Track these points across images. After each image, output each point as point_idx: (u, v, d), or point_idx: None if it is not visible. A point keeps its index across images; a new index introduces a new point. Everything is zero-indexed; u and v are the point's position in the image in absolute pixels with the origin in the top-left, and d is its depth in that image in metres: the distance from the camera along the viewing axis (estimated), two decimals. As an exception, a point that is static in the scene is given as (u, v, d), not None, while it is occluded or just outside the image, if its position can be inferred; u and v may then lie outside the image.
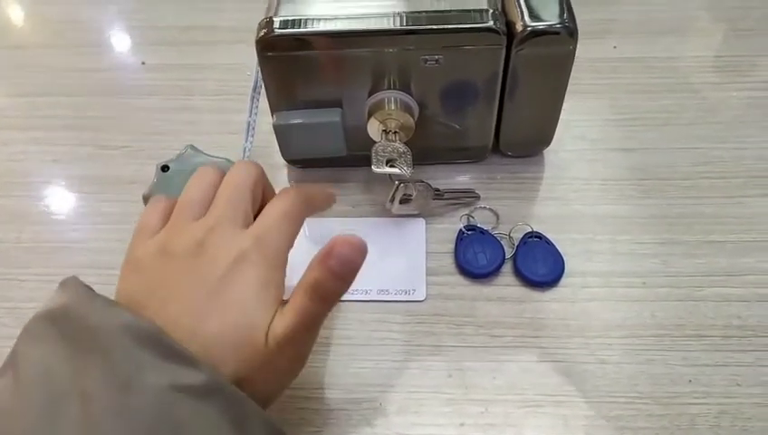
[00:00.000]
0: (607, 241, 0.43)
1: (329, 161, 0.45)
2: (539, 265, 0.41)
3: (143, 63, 0.56)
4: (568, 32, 0.38)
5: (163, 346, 0.27)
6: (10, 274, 0.43)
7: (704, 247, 0.42)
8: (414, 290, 0.41)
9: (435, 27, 0.38)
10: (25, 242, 0.45)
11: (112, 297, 0.31)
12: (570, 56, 0.40)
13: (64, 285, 0.31)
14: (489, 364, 0.38)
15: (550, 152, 0.47)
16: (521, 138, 0.46)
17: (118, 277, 0.32)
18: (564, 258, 0.41)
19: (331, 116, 0.42)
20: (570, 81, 0.41)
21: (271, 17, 0.39)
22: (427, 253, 0.43)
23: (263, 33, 0.38)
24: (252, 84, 0.45)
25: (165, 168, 0.44)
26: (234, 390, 0.27)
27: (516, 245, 0.42)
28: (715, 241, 0.42)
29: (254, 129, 0.46)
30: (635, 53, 0.54)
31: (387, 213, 0.44)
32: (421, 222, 0.44)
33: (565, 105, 0.43)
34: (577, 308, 0.40)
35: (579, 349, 0.38)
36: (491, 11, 0.38)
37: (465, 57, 0.39)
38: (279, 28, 0.38)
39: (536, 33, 0.38)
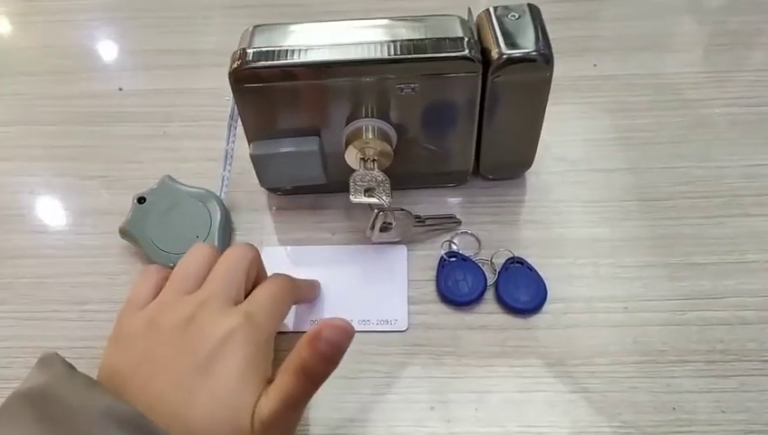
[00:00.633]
0: (589, 265, 0.43)
1: (308, 188, 0.45)
2: (521, 291, 0.41)
3: (120, 89, 0.55)
4: (544, 59, 0.38)
5: (143, 431, 0.27)
6: (-15, 311, 0.42)
7: (685, 270, 0.42)
8: (396, 320, 0.41)
9: (410, 57, 0.37)
10: (1, 277, 0.44)
11: (96, 369, 0.31)
12: (546, 82, 0.39)
13: (44, 362, 0.30)
14: (470, 395, 0.37)
15: (531, 174, 0.47)
16: (501, 161, 0.46)
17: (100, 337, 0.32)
18: (546, 283, 0.41)
19: (309, 145, 0.41)
20: (550, 100, 0.41)
21: (244, 48, 0.38)
22: (408, 281, 0.42)
23: (236, 66, 0.38)
24: (229, 112, 0.44)
25: (141, 199, 0.44)
26: None
27: (498, 271, 0.42)
28: (697, 263, 0.42)
29: (231, 157, 0.46)
30: (615, 70, 0.54)
31: (368, 240, 0.43)
32: (403, 249, 0.44)
33: (546, 125, 0.43)
34: (559, 335, 0.40)
35: (562, 377, 0.38)
36: (466, 39, 0.38)
37: (442, 85, 0.39)
38: (252, 60, 0.38)
39: (512, 61, 0.38)
